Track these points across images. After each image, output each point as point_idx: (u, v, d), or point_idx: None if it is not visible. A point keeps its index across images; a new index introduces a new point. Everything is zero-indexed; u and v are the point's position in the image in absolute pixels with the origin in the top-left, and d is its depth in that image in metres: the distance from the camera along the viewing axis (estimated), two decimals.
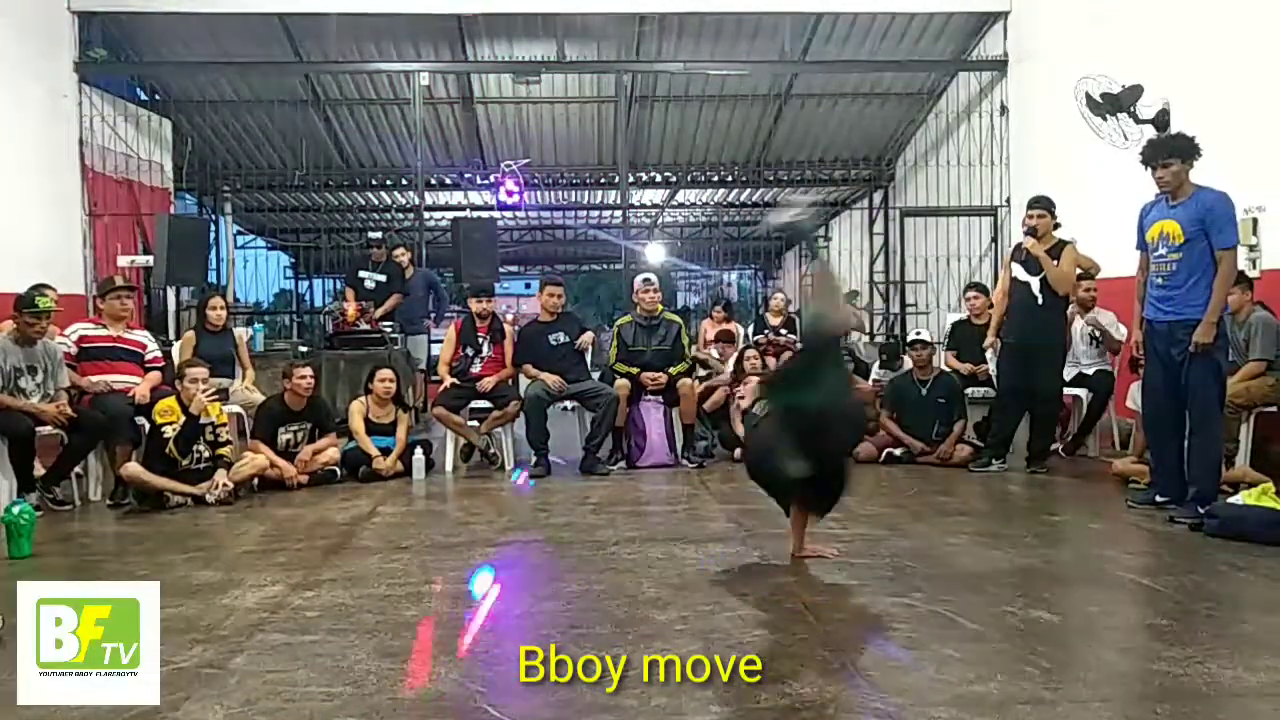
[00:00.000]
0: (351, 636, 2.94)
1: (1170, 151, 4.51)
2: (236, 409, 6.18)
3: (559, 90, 11.17)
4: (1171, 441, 4.60)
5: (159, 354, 5.96)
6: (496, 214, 12.27)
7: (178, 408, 5.23)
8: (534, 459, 6.17)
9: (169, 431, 5.18)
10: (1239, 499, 4.19)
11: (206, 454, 5.31)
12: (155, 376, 5.75)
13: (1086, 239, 6.35)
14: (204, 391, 5.30)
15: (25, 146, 8.04)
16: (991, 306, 6.58)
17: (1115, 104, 6.79)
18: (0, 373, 5.09)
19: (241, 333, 7.40)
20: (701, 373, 7.45)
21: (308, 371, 5.91)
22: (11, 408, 5.03)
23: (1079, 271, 6.11)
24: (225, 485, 5.23)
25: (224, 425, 5.43)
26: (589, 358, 6.80)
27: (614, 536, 4.30)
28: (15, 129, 7.87)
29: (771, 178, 13.10)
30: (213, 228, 10.68)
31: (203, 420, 5.28)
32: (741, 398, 6.41)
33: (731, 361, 7.36)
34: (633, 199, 10.28)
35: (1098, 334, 6.43)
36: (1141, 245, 4.71)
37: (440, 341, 7.32)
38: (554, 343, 6.44)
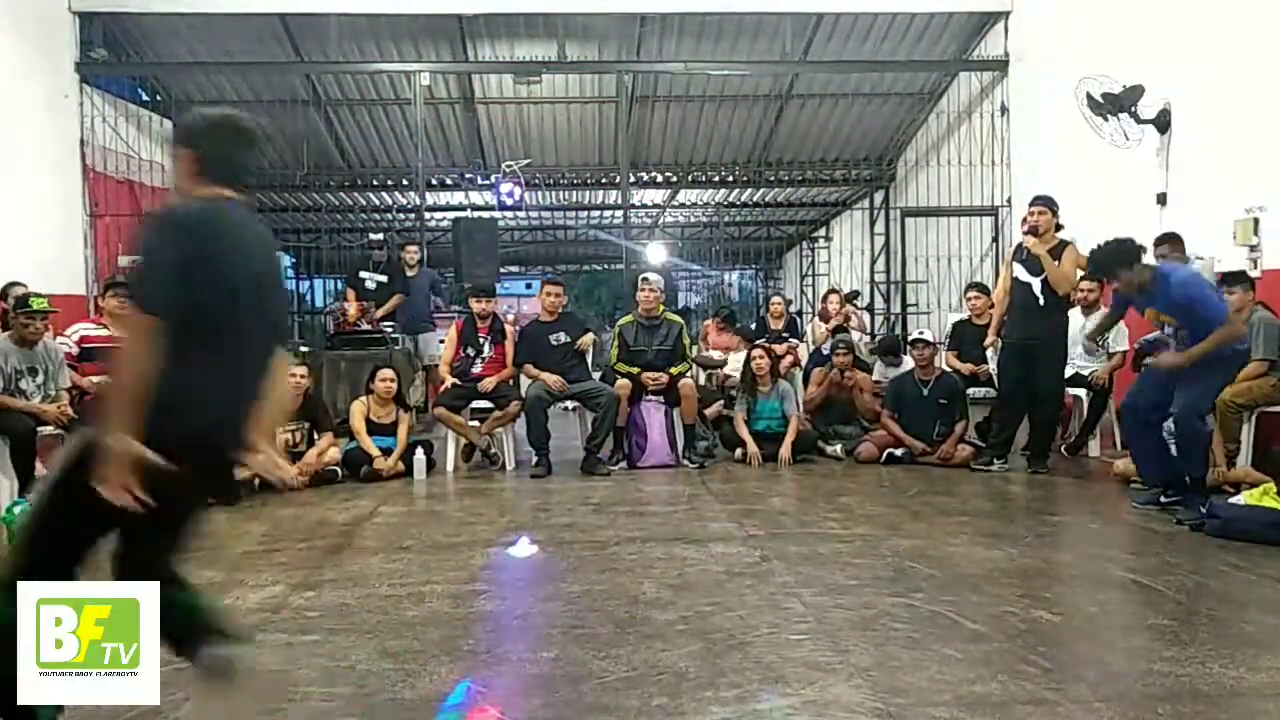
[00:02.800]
0: (352, 636, 2.94)
1: (1108, 266, 4.55)
2: None
3: (560, 90, 11.17)
4: (1147, 435, 4.66)
5: None
6: (497, 214, 12.27)
7: None
8: (535, 459, 6.17)
9: None
10: (1240, 499, 4.19)
11: None
12: None
13: (1087, 239, 6.33)
14: None
15: (26, 147, 8.04)
16: (992, 307, 6.58)
17: (1116, 104, 6.78)
18: (1, 374, 5.09)
19: None
20: (702, 379, 7.48)
21: (299, 370, 5.90)
22: (12, 408, 5.03)
23: (1080, 273, 6.10)
24: None
25: None
26: (590, 358, 6.80)
27: (615, 536, 4.30)
28: (16, 129, 7.88)
29: (772, 178, 13.09)
30: None
31: None
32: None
33: (734, 358, 7.42)
34: (633, 199, 10.28)
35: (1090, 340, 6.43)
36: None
37: None
38: (555, 343, 6.45)
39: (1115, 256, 4.48)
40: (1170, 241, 5.98)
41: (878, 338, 10.26)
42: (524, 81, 10.68)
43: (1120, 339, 6.41)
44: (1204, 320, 4.36)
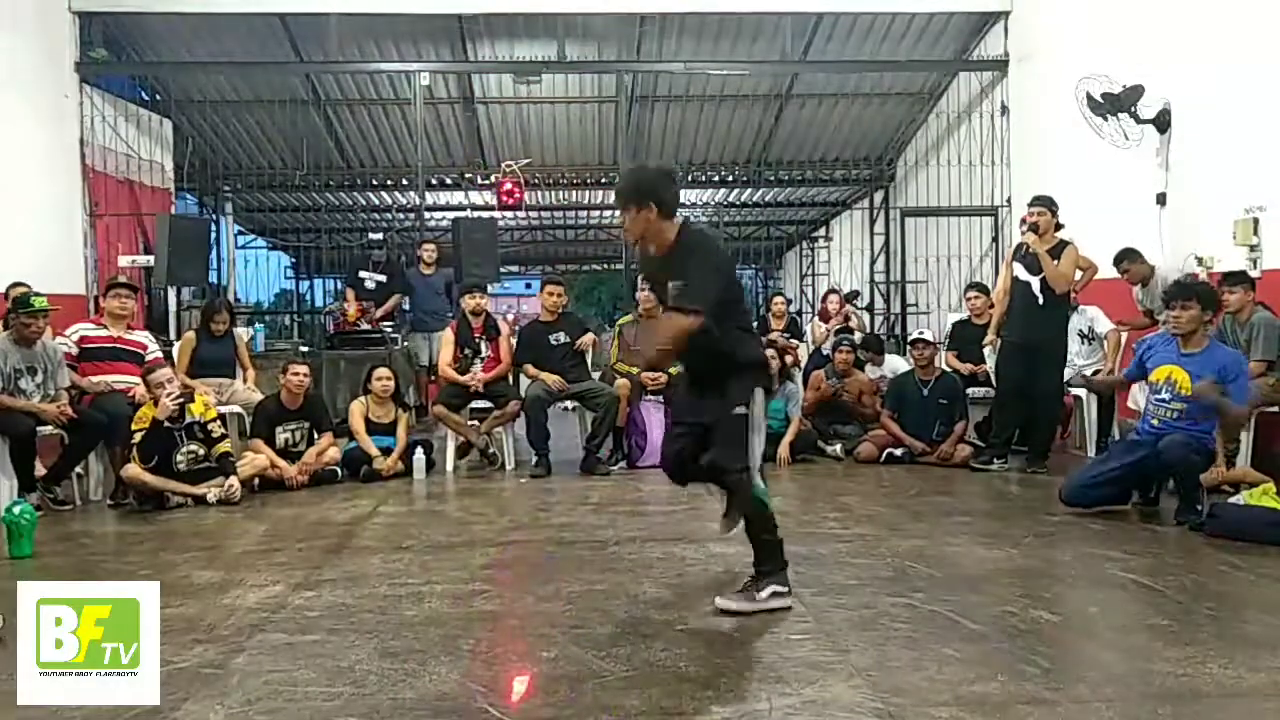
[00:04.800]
0: (352, 636, 2.94)
1: (1192, 294, 4.50)
2: (237, 409, 6.18)
3: (560, 90, 11.17)
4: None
5: (159, 354, 5.95)
6: (497, 214, 12.27)
7: (152, 413, 5.14)
8: (535, 459, 6.17)
9: (136, 438, 5.08)
10: (1240, 499, 4.18)
11: (201, 452, 5.27)
12: None
13: (1085, 239, 6.35)
14: (169, 396, 5.12)
15: (26, 147, 8.04)
16: (992, 307, 6.58)
17: (1115, 104, 6.78)
18: (0, 374, 5.09)
19: (242, 333, 7.40)
20: None
21: (301, 369, 5.89)
22: (12, 408, 5.03)
23: (1080, 273, 6.11)
24: (235, 489, 5.21)
25: (214, 420, 5.37)
26: (589, 358, 6.79)
27: (614, 536, 4.30)
28: (16, 129, 7.87)
29: (772, 178, 13.10)
30: (213, 228, 10.69)
31: (188, 420, 5.24)
32: None
33: None
34: None
35: (1088, 333, 6.43)
36: (1133, 376, 4.69)
37: None
38: (554, 342, 6.44)
39: (1216, 299, 4.73)
40: (1127, 256, 6.06)
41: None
42: (524, 81, 10.68)
43: (1103, 323, 6.41)
44: (1238, 393, 4.35)
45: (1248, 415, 4.52)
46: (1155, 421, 4.53)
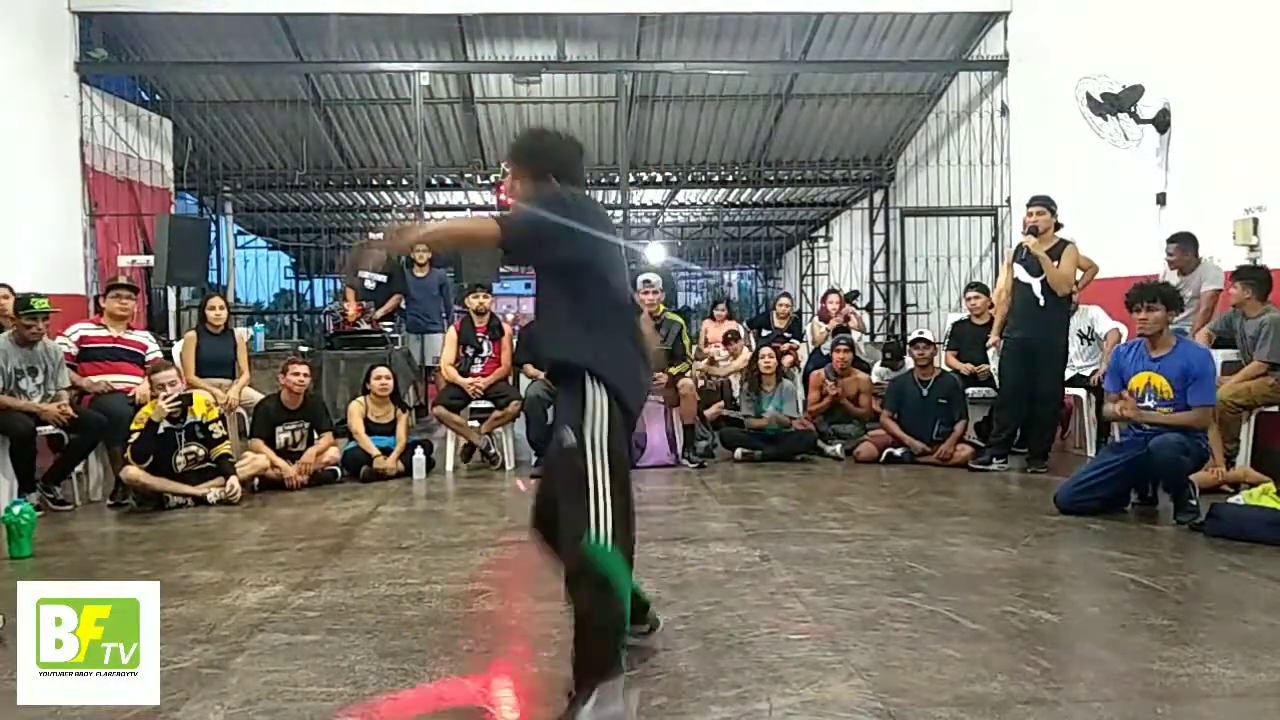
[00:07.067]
0: (352, 636, 2.94)
1: (1156, 295, 4.52)
2: (237, 409, 6.17)
3: (559, 90, 11.18)
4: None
5: (159, 354, 5.95)
6: (497, 214, 12.26)
7: (150, 414, 5.13)
8: (535, 459, 6.17)
9: (132, 438, 5.06)
10: (1240, 499, 4.18)
11: (201, 452, 5.27)
12: None
13: (1085, 239, 6.35)
14: (165, 398, 5.10)
15: (26, 147, 8.04)
16: (992, 307, 6.58)
17: (1115, 104, 6.78)
18: (1, 374, 5.09)
19: (242, 334, 7.39)
20: (701, 380, 7.49)
21: (302, 369, 5.88)
22: (12, 408, 5.03)
23: (1080, 273, 6.10)
24: (235, 489, 5.20)
25: (215, 420, 5.37)
26: None
27: None
28: (16, 129, 7.87)
29: (772, 178, 13.11)
30: (213, 228, 10.69)
31: (189, 420, 5.23)
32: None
33: (737, 359, 7.41)
34: (633, 199, 10.26)
35: (1088, 334, 6.44)
36: (1116, 388, 4.71)
37: None
38: None
39: (1179, 299, 4.73)
40: (1181, 241, 5.98)
41: (877, 339, 10.27)
42: (524, 81, 10.69)
43: (1103, 323, 6.41)
44: (1201, 392, 4.40)
45: (1213, 414, 4.56)
46: (1146, 425, 4.53)
